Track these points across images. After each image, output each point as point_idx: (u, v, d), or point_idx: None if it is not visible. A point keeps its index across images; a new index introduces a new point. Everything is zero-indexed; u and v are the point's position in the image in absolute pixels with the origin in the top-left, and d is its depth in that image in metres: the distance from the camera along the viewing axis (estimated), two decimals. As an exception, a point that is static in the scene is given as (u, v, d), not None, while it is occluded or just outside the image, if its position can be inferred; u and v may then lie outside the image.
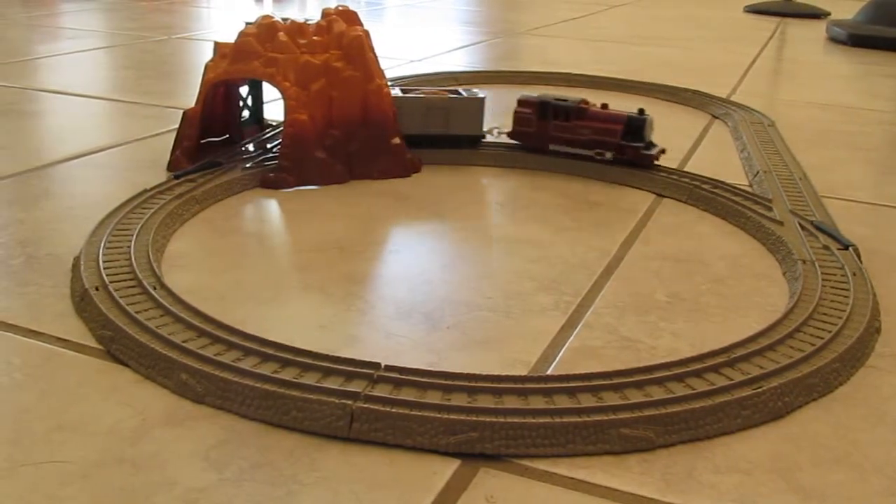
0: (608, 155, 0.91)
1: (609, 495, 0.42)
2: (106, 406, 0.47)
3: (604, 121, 0.92)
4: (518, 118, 0.96)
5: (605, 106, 0.93)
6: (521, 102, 0.96)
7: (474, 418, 0.45)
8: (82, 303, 0.58)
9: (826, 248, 0.70)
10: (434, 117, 0.95)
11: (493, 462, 0.44)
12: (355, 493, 0.41)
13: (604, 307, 0.62)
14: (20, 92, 1.20)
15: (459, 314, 0.60)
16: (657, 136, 0.91)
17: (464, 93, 0.96)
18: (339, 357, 0.50)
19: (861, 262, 0.68)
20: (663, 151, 0.92)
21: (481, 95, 0.96)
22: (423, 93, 0.96)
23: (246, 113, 0.96)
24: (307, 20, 0.90)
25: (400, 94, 0.94)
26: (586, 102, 0.94)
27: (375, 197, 0.83)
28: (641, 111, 0.91)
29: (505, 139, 0.99)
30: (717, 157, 1.02)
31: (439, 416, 0.45)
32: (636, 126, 0.90)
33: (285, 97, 0.85)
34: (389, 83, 0.94)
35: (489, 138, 0.99)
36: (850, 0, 2.76)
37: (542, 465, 0.44)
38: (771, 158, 0.97)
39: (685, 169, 0.95)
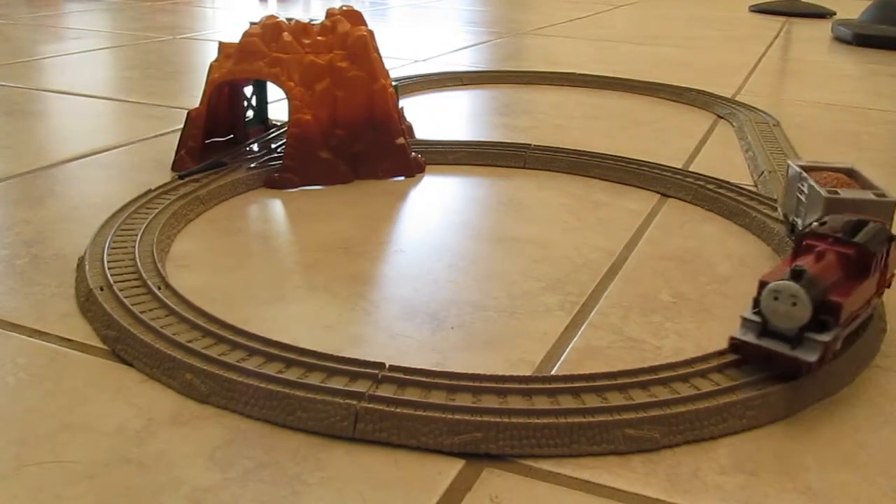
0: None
1: (614, 496, 0.42)
2: (111, 406, 0.47)
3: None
4: None
5: None
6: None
7: (479, 418, 0.45)
8: (87, 303, 0.58)
9: (831, 248, 0.70)
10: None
11: (497, 462, 0.44)
12: (360, 493, 0.41)
13: (608, 307, 0.62)
14: (25, 92, 1.21)
15: (464, 314, 0.60)
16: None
17: (874, 194, 0.65)
18: (343, 357, 0.50)
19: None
20: None
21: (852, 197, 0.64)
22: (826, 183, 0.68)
23: (250, 113, 0.96)
24: (312, 20, 0.90)
25: (815, 185, 0.67)
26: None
27: (380, 197, 0.83)
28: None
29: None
30: (722, 157, 1.02)
31: (444, 416, 0.45)
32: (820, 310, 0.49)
33: (289, 97, 0.85)
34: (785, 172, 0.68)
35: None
36: (856, 0, 2.76)
37: (546, 465, 0.44)
38: (776, 158, 0.97)
39: (690, 168, 0.95)
